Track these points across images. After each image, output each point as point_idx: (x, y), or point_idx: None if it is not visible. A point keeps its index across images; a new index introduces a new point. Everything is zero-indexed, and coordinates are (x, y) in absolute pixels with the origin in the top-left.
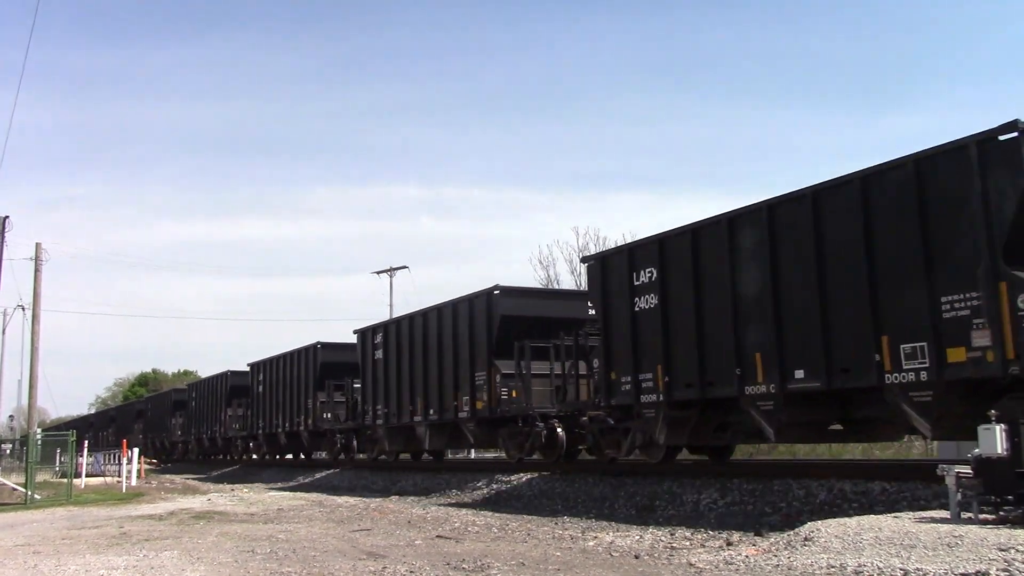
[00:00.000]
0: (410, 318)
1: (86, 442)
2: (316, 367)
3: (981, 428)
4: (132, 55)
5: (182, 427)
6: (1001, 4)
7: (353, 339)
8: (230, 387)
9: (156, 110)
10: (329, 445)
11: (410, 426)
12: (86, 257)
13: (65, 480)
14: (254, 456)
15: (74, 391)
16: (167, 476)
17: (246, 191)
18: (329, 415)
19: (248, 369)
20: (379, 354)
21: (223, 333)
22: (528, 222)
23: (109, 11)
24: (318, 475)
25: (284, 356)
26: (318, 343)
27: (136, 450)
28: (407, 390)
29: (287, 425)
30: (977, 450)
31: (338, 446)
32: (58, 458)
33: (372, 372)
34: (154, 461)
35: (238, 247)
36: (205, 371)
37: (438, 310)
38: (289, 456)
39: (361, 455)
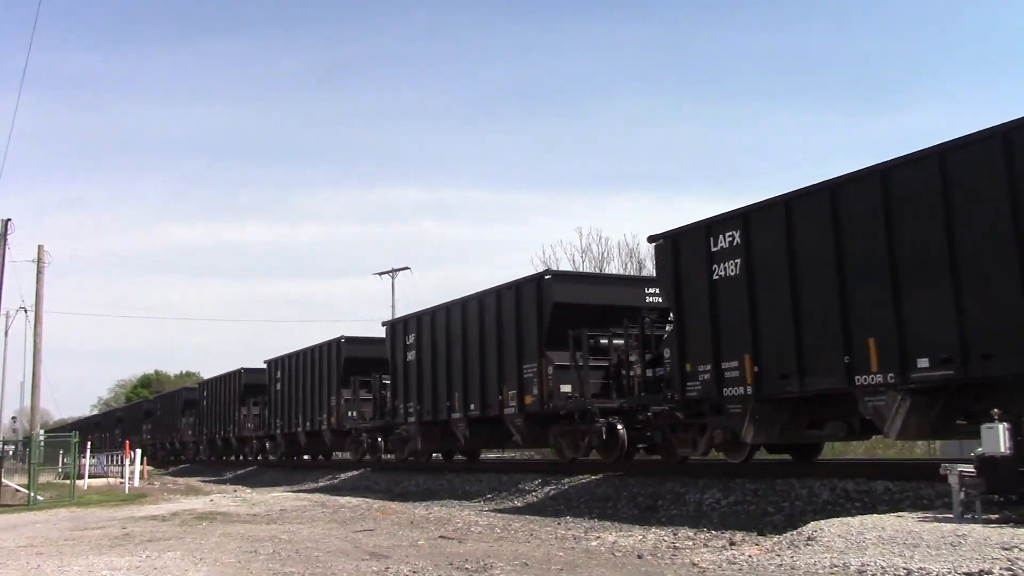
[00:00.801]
0: (447, 308)
1: (88, 443)
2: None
3: (984, 427)
4: (133, 59)
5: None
6: (997, 4)
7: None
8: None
9: (157, 113)
10: (354, 445)
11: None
12: (88, 259)
13: (68, 481)
14: (271, 457)
15: (77, 393)
16: (170, 477)
17: (247, 194)
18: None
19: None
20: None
21: (225, 335)
22: (528, 224)
23: (109, 15)
24: (343, 476)
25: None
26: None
27: (139, 451)
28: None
29: (308, 424)
30: (980, 449)
31: (364, 446)
32: (61, 459)
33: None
34: (154, 467)
35: (239, 249)
36: (207, 372)
37: (479, 299)
38: (307, 457)
39: (388, 455)
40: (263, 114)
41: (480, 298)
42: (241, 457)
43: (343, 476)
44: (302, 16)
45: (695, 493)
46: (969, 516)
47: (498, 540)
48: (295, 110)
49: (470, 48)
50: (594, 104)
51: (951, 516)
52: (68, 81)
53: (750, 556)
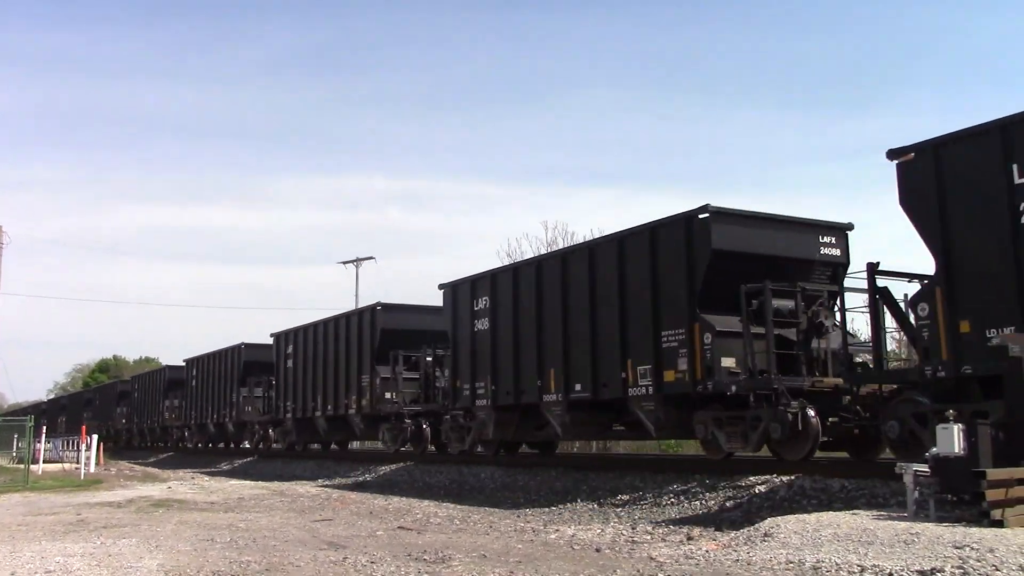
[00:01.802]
0: (315, 326)
1: (44, 428)
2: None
3: (939, 427)
4: (98, 36)
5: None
6: (966, 8)
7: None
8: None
9: (123, 93)
10: (249, 435)
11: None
12: (47, 241)
13: (22, 466)
14: (188, 444)
15: (33, 377)
16: (126, 463)
17: (212, 177)
18: (250, 408)
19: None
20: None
21: (186, 320)
22: (496, 215)
23: None
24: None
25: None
26: (242, 344)
27: (95, 437)
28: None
29: (329, 408)
30: (935, 449)
31: (256, 436)
32: (15, 444)
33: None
34: (110, 445)
35: (203, 234)
36: (167, 358)
37: (335, 321)
38: (221, 444)
39: (276, 444)
40: (231, 98)
41: (336, 320)
42: (163, 444)
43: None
44: (273, 1)
45: (654, 487)
46: (923, 515)
47: (457, 532)
48: (263, 95)
49: (442, 39)
50: (563, 98)
51: (905, 515)
52: (30, 58)
53: (707, 551)
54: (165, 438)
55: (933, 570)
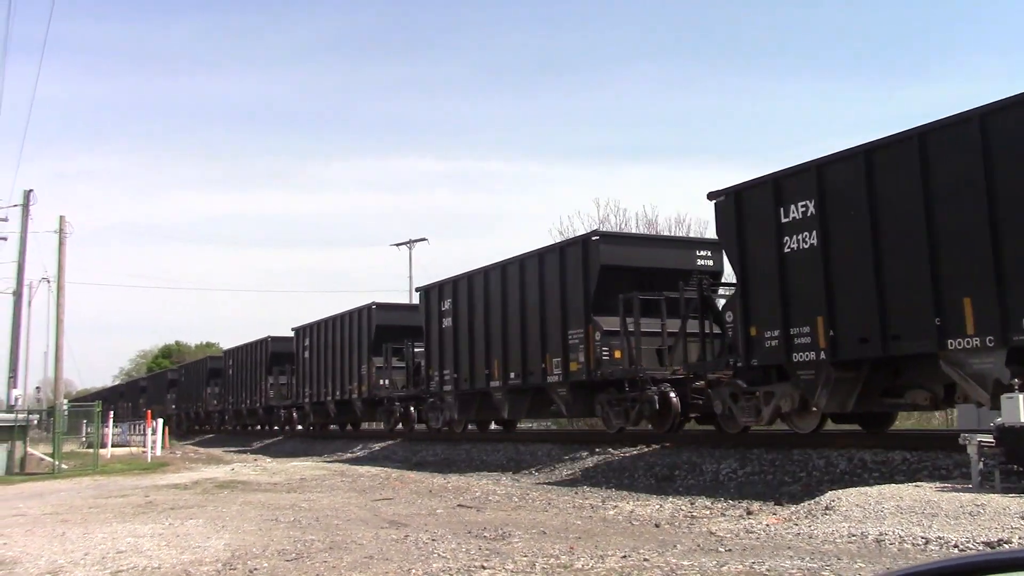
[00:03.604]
0: (485, 272)
1: (112, 413)
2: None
3: (1004, 397)
4: (151, 28)
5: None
6: None
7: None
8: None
9: (176, 83)
10: (386, 414)
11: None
12: (108, 230)
13: (91, 450)
14: (298, 427)
15: (99, 363)
16: (191, 447)
17: (264, 164)
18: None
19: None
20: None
21: (244, 305)
22: (545, 194)
23: None
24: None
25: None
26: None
27: (160, 421)
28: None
29: (337, 393)
30: (1000, 419)
31: (396, 415)
32: (84, 429)
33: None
34: (174, 439)
35: (256, 220)
36: (228, 343)
37: (520, 262)
38: (335, 427)
39: (421, 425)
40: (281, 84)
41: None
42: (266, 427)
43: (376, 447)
44: None
45: (712, 463)
46: (988, 486)
47: (516, 509)
48: (312, 80)
49: (487, 18)
50: (610, 75)
51: (970, 486)
52: (87, 50)
53: (767, 525)
54: (208, 422)
55: (1000, 541)
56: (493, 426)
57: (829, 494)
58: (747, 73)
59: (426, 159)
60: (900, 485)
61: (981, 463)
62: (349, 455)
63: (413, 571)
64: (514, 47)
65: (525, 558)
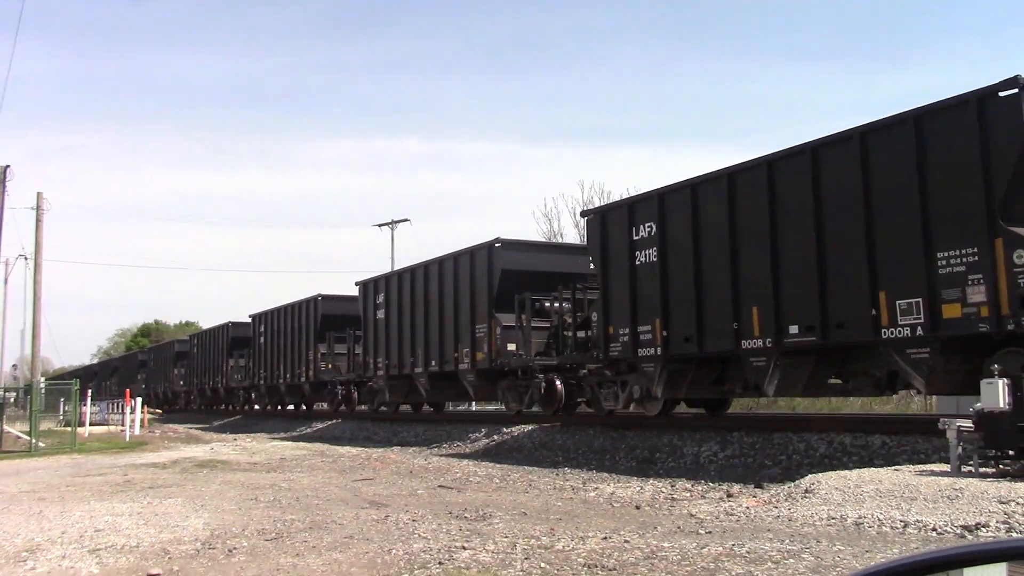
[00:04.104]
0: (411, 271)
1: (89, 391)
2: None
3: (984, 382)
4: (132, 4)
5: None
6: None
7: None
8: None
9: (157, 60)
10: (330, 396)
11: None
12: (87, 207)
13: (69, 429)
14: (256, 407)
15: (77, 341)
16: (170, 425)
17: (246, 143)
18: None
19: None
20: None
21: (224, 284)
22: (529, 176)
23: None
24: (318, 425)
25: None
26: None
27: (139, 400)
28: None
29: (288, 376)
30: (979, 404)
31: (339, 397)
32: (62, 407)
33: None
34: (158, 411)
35: (238, 199)
36: (206, 322)
37: (439, 262)
38: (291, 407)
39: (362, 406)
40: (262, 62)
41: (441, 262)
42: (228, 407)
43: (319, 425)
44: None
45: (692, 446)
46: (966, 470)
47: (497, 490)
48: (294, 59)
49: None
50: (594, 56)
51: (948, 470)
52: (66, 26)
53: (747, 508)
54: (230, 400)
55: (977, 525)
56: (425, 408)
57: (809, 477)
58: (731, 56)
59: (409, 139)
60: (879, 469)
61: (960, 447)
62: (297, 432)
63: (394, 551)
64: (499, 28)
65: (506, 539)
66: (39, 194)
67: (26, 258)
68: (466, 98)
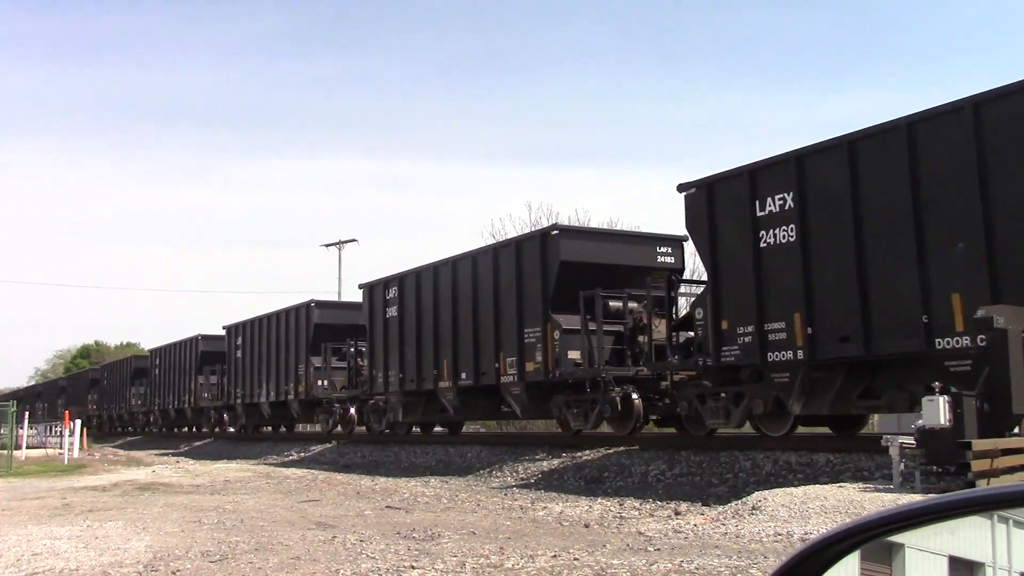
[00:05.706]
0: (434, 268)
1: (27, 414)
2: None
3: (925, 399)
4: (70, 19)
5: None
6: None
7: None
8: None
9: (99, 76)
10: (325, 416)
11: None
12: (22, 225)
13: (4, 452)
14: (229, 429)
15: (14, 361)
16: (111, 449)
17: (189, 159)
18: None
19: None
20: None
21: (166, 305)
22: (478, 197)
23: None
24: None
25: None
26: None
27: (79, 422)
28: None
29: (272, 394)
30: (920, 421)
31: (336, 417)
32: None
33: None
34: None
35: (182, 218)
36: (149, 343)
37: (472, 257)
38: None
39: (362, 428)
40: (208, 79)
41: (475, 257)
42: (194, 429)
43: (315, 449)
44: None
45: (641, 465)
46: (909, 487)
47: (445, 510)
48: (241, 76)
49: (421, 17)
50: (546, 77)
51: (891, 487)
52: (5, 40)
53: (695, 525)
54: (132, 423)
55: None
56: (437, 429)
57: (756, 495)
58: (682, 80)
59: (359, 159)
60: (824, 486)
61: (903, 464)
62: (285, 458)
63: (341, 571)
64: (448, 47)
65: (455, 558)
66: None
67: None
68: (416, 117)
